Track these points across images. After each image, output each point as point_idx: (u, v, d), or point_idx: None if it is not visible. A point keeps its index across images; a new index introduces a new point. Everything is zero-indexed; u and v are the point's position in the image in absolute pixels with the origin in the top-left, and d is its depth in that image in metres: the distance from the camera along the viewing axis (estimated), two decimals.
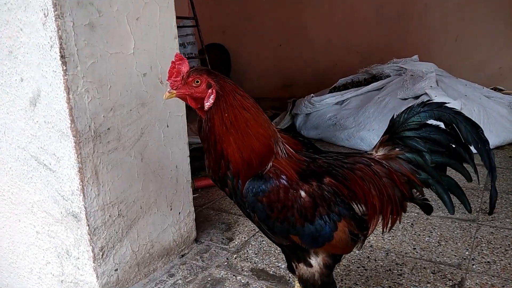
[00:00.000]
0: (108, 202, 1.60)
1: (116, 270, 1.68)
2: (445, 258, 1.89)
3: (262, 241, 2.10)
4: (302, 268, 1.16)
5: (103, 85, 1.52)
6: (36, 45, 1.39)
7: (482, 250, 1.95)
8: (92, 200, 1.54)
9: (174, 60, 1.06)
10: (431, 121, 1.15)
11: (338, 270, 1.81)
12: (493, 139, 3.16)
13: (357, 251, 1.93)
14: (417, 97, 3.42)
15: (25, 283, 1.81)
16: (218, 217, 2.44)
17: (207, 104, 1.08)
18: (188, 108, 1.95)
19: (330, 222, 1.08)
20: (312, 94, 4.22)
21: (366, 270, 1.81)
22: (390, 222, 1.19)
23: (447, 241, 2.04)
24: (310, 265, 1.15)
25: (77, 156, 1.47)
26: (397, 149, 1.17)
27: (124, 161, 1.65)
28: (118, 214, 1.66)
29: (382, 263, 1.86)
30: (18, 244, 1.77)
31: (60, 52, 1.36)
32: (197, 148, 3.08)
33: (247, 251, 2.03)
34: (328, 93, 4.22)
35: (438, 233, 2.12)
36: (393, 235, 2.11)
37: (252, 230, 2.23)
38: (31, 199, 1.64)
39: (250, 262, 1.93)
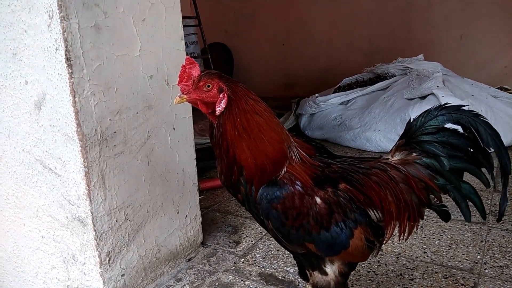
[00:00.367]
0: (115, 207, 1.58)
1: (123, 275, 1.65)
2: (456, 262, 1.85)
3: (270, 244, 2.07)
4: (317, 276, 1.13)
5: (109, 87, 1.49)
6: (41, 47, 1.36)
7: (494, 254, 1.91)
8: (99, 205, 1.51)
9: (184, 64, 1.03)
10: (449, 125, 1.12)
11: None
12: None
13: None
14: (423, 97, 3.38)
15: (30, 287, 1.78)
16: (224, 219, 2.41)
17: (218, 109, 1.05)
18: (192, 108, 1.93)
19: (346, 229, 1.05)
20: (316, 94, 4.19)
21: (376, 275, 1.78)
22: (407, 229, 1.16)
23: (457, 245, 2.01)
24: (326, 273, 1.12)
25: (84, 160, 1.44)
26: (414, 153, 1.14)
27: (131, 165, 1.62)
28: (125, 219, 1.63)
29: (392, 268, 1.83)
30: (23, 248, 1.74)
31: (66, 54, 1.33)
32: (201, 149, 3.05)
33: (254, 255, 2.00)
34: (333, 93, 4.18)
35: (449, 236, 2.09)
36: (401, 238, 2.07)
37: (259, 233, 2.20)
38: (36, 203, 1.61)
39: (258, 266, 1.90)
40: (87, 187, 1.47)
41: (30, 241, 1.69)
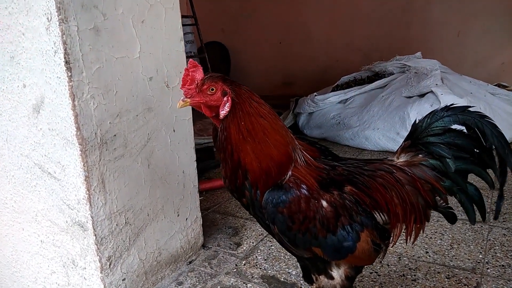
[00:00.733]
0: (115, 211, 1.56)
1: (123, 279, 1.64)
2: (458, 262, 1.85)
3: (271, 246, 2.06)
4: (323, 280, 1.12)
5: (109, 90, 1.47)
6: (39, 50, 1.34)
7: (496, 253, 1.91)
8: (99, 209, 1.49)
9: (188, 67, 1.01)
10: (455, 126, 1.11)
11: None
12: None
13: None
14: (422, 95, 3.38)
15: None
16: (224, 221, 2.39)
17: (222, 113, 1.03)
18: (192, 110, 1.91)
19: (353, 232, 1.04)
20: (315, 93, 4.17)
21: (379, 275, 1.77)
22: (413, 231, 1.15)
23: (459, 244, 2.00)
24: (332, 278, 1.11)
25: (83, 164, 1.42)
26: (420, 155, 1.13)
27: (131, 168, 1.60)
28: (125, 223, 1.61)
29: (395, 268, 1.82)
30: (21, 253, 1.72)
31: (65, 57, 1.30)
32: (199, 150, 3.03)
33: (256, 256, 1.99)
34: (331, 91, 4.17)
35: (450, 235, 2.09)
36: (405, 238, 2.07)
37: (260, 235, 2.18)
38: (35, 207, 1.59)
39: (260, 268, 1.88)
40: (87, 191, 1.45)
41: (29, 246, 1.67)
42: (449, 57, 4.80)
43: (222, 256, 2.01)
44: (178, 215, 1.89)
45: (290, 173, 1.05)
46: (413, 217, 1.12)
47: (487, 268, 1.79)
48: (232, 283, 1.78)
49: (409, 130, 1.17)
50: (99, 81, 1.42)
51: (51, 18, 1.27)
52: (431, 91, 3.29)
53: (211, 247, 2.09)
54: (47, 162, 1.48)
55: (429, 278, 1.74)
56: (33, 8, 1.29)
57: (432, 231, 2.13)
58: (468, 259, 1.87)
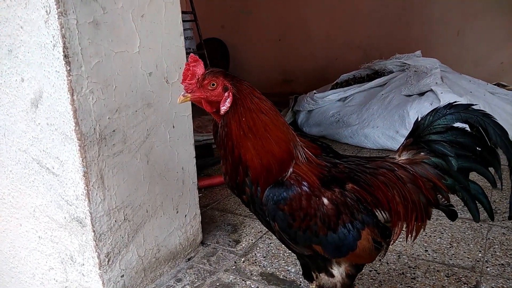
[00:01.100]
0: (114, 207, 1.55)
1: (122, 276, 1.63)
2: (458, 261, 1.85)
3: (270, 243, 2.06)
4: (323, 278, 1.11)
5: (108, 85, 1.45)
6: (37, 44, 1.32)
7: (495, 251, 1.91)
8: (98, 205, 1.48)
9: (188, 61, 1.00)
10: (457, 124, 1.10)
11: None
12: None
13: None
14: (422, 94, 3.37)
15: None
16: (223, 218, 2.39)
17: (223, 108, 1.02)
18: (191, 106, 1.89)
19: (354, 230, 1.03)
20: (314, 91, 4.16)
21: (378, 274, 1.77)
22: (414, 229, 1.14)
23: (458, 243, 2.00)
24: (332, 276, 1.10)
25: (82, 160, 1.40)
26: (422, 153, 1.12)
27: (130, 164, 1.59)
28: (124, 219, 1.60)
29: (394, 266, 1.82)
30: (19, 249, 1.71)
31: (64, 51, 1.29)
32: (198, 146, 3.02)
33: (255, 254, 1.98)
34: (331, 89, 4.15)
35: (449, 234, 2.08)
36: (404, 236, 2.06)
37: (259, 232, 2.17)
38: (33, 203, 1.58)
39: (259, 265, 1.87)
40: (86, 187, 1.43)
41: (27, 242, 1.66)
42: (449, 56, 4.79)
43: (221, 253, 2.00)
44: (177, 212, 1.88)
45: (291, 170, 1.04)
46: (414, 215, 1.11)
47: (487, 267, 1.79)
48: (231, 280, 1.77)
49: (408, 128, 1.16)
50: (98, 76, 1.41)
51: (50, 11, 1.25)
52: (431, 90, 3.28)
53: (210, 244, 2.09)
54: (46, 157, 1.47)
55: (429, 276, 1.74)
56: (31, 1, 1.28)
57: (432, 229, 2.13)
58: (468, 257, 1.87)
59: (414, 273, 1.76)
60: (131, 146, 1.58)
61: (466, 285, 1.67)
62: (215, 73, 1.02)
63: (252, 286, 1.72)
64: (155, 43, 1.63)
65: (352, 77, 4.32)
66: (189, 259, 1.95)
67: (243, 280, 1.77)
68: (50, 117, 1.40)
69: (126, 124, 1.55)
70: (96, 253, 1.51)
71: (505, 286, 1.65)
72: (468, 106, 1.09)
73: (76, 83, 1.34)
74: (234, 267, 1.88)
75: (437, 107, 1.11)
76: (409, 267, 1.81)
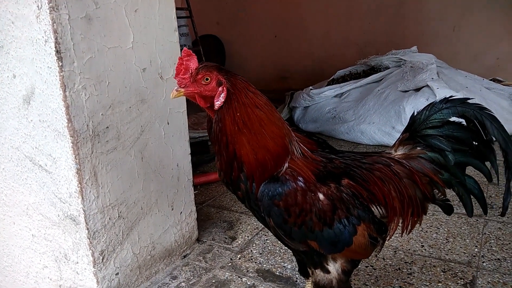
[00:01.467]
0: (108, 204, 1.53)
1: (117, 274, 1.61)
2: (454, 256, 1.84)
3: (266, 240, 2.05)
4: (319, 274, 1.10)
5: (101, 81, 1.43)
6: (29, 39, 1.30)
7: (491, 246, 1.91)
8: (91, 202, 1.46)
9: (181, 56, 0.98)
10: (453, 118, 1.09)
11: None
12: None
13: None
14: (418, 89, 3.36)
15: (21, 287, 1.73)
16: (219, 215, 2.37)
17: (217, 103, 1.01)
18: (186, 102, 1.88)
19: (349, 226, 1.02)
20: (310, 87, 4.15)
21: (375, 269, 1.76)
22: (410, 224, 1.13)
23: (455, 238, 2.00)
24: (328, 272, 1.09)
25: (75, 156, 1.39)
26: (418, 148, 1.11)
27: (124, 161, 1.57)
28: (119, 216, 1.58)
29: (391, 262, 1.81)
30: (12, 247, 1.69)
31: (56, 47, 1.27)
32: (194, 143, 3.01)
33: (251, 250, 1.97)
34: (327, 85, 4.14)
35: (445, 229, 2.08)
36: (400, 232, 2.06)
37: (255, 229, 2.16)
38: (26, 201, 1.56)
39: (255, 262, 1.87)
40: (79, 185, 1.42)
41: (21, 240, 1.64)
42: (445, 51, 4.79)
43: (217, 250, 1.99)
44: (172, 209, 1.86)
45: (286, 165, 1.03)
46: (410, 210, 1.11)
47: (483, 262, 1.79)
48: (227, 277, 1.76)
49: (404, 124, 1.15)
50: (90, 72, 1.39)
51: (41, 6, 1.23)
52: (427, 85, 3.28)
53: (205, 241, 2.07)
54: (38, 154, 1.45)
55: (425, 271, 1.74)
56: None
57: (428, 224, 2.13)
58: (464, 252, 1.87)
59: (410, 269, 1.76)
60: (125, 142, 1.56)
61: (462, 280, 1.67)
62: (209, 67, 1.00)
63: (248, 283, 1.72)
64: (148, 39, 1.62)
65: (349, 73, 4.32)
66: (184, 256, 1.94)
67: (239, 277, 1.76)
68: (43, 113, 1.38)
69: (120, 120, 1.53)
70: (90, 251, 1.50)
71: (501, 280, 1.65)
72: (464, 100, 1.08)
73: (68, 79, 1.32)
74: (230, 264, 1.87)
75: (433, 102, 1.11)
76: (405, 262, 1.81)
